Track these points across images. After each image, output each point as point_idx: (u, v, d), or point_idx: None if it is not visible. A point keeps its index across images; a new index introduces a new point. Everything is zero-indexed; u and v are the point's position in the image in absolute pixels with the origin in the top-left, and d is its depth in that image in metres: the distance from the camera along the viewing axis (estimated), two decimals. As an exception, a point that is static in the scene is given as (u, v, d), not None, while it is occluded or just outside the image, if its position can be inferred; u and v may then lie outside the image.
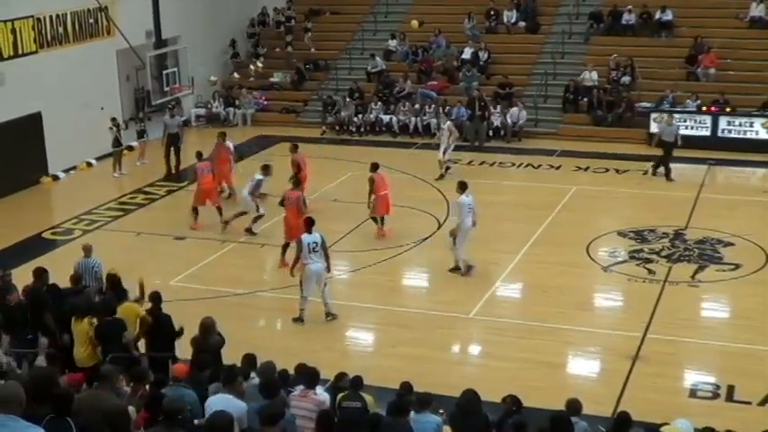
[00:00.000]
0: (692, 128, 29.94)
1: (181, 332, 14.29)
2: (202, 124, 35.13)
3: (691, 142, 29.27)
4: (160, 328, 14.24)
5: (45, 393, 8.26)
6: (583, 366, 16.87)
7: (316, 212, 23.62)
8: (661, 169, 27.08)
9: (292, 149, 24.83)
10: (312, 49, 37.46)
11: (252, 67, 37.24)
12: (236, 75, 37.32)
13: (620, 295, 19.80)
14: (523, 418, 10.95)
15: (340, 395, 11.79)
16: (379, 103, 33.49)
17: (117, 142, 29.10)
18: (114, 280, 15.19)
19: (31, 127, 27.84)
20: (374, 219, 22.89)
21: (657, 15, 34.00)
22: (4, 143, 26.41)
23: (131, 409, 9.64)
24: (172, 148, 28.82)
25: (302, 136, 32.42)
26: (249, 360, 12.23)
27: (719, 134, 29.78)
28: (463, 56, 34.76)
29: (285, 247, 20.88)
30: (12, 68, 27.03)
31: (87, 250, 17.04)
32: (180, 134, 29.29)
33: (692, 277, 19.97)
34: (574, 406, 11.16)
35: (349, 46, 37.09)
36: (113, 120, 29.30)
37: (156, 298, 14.51)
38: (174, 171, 28.77)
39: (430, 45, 35.63)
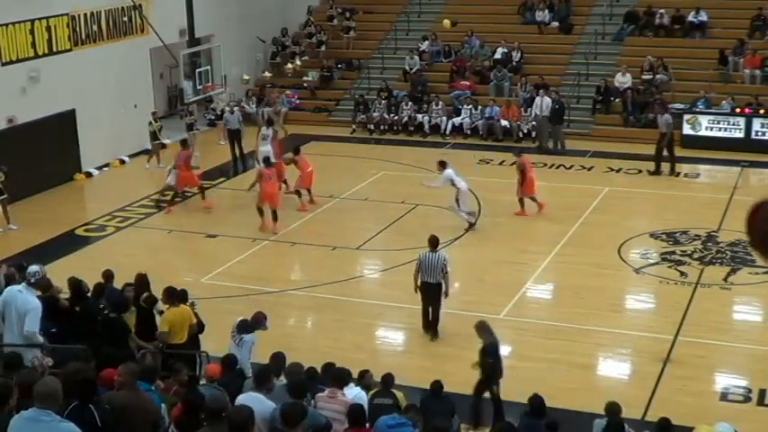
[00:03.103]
0: (725, 129, 29.78)
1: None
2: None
3: (724, 144, 29.18)
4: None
5: (75, 387, 8.34)
6: (613, 368, 16.83)
7: (347, 212, 23.81)
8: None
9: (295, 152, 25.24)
10: (350, 48, 37.53)
11: (289, 65, 37.31)
12: (267, 74, 37.41)
13: (652, 297, 19.73)
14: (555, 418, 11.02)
15: (371, 392, 11.83)
16: (410, 102, 33.46)
17: (155, 136, 29.40)
18: (143, 280, 15.18)
19: (65, 124, 28.07)
20: (299, 192, 24.59)
21: (691, 17, 33.75)
22: (38, 140, 26.63)
23: (163, 406, 9.72)
24: (235, 144, 29.62)
25: (333, 135, 32.57)
26: (278, 359, 12.28)
27: (753, 136, 29.55)
28: (495, 56, 34.71)
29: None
30: (46, 66, 27.25)
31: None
32: (241, 129, 29.86)
33: (725, 280, 19.85)
34: (614, 409, 11.34)
35: (381, 45, 37.10)
36: (153, 113, 29.58)
37: (182, 297, 14.57)
38: (236, 163, 29.58)
39: (463, 45, 35.58)
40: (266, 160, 24.24)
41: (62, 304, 13.98)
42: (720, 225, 22.91)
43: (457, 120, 32.70)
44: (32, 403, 7.63)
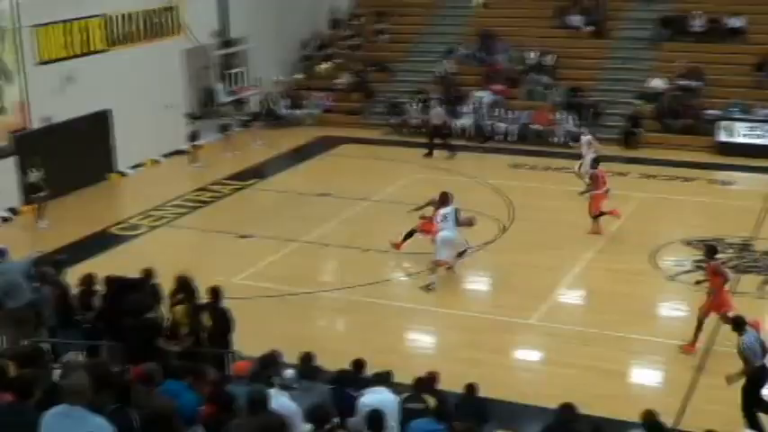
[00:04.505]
0: (761, 136, 29.55)
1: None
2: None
3: (759, 151, 28.93)
4: (216, 324, 14.29)
5: (102, 383, 8.39)
6: (645, 375, 16.71)
7: (379, 214, 23.75)
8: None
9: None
10: (383, 51, 37.52)
11: (322, 67, 37.36)
12: (299, 76, 37.47)
13: (685, 305, 19.51)
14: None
15: (403, 396, 11.77)
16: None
17: (193, 136, 29.53)
18: (184, 281, 15.10)
19: (99, 124, 28.27)
20: None
21: (727, 22, 33.49)
22: (73, 140, 26.80)
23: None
24: None
25: (365, 137, 32.57)
26: (306, 359, 12.26)
27: (789, 143, 29.33)
28: (528, 60, 34.59)
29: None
30: (82, 66, 27.42)
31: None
32: None
33: (759, 288, 19.67)
34: (651, 417, 11.25)
35: (414, 48, 37.08)
36: (190, 114, 29.67)
37: (215, 293, 14.57)
38: None
39: (495, 49, 35.46)
40: None
41: (96, 302, 14.06)
42: (756, 233, 22.71)
43: (488, 124, 32.58)
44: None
